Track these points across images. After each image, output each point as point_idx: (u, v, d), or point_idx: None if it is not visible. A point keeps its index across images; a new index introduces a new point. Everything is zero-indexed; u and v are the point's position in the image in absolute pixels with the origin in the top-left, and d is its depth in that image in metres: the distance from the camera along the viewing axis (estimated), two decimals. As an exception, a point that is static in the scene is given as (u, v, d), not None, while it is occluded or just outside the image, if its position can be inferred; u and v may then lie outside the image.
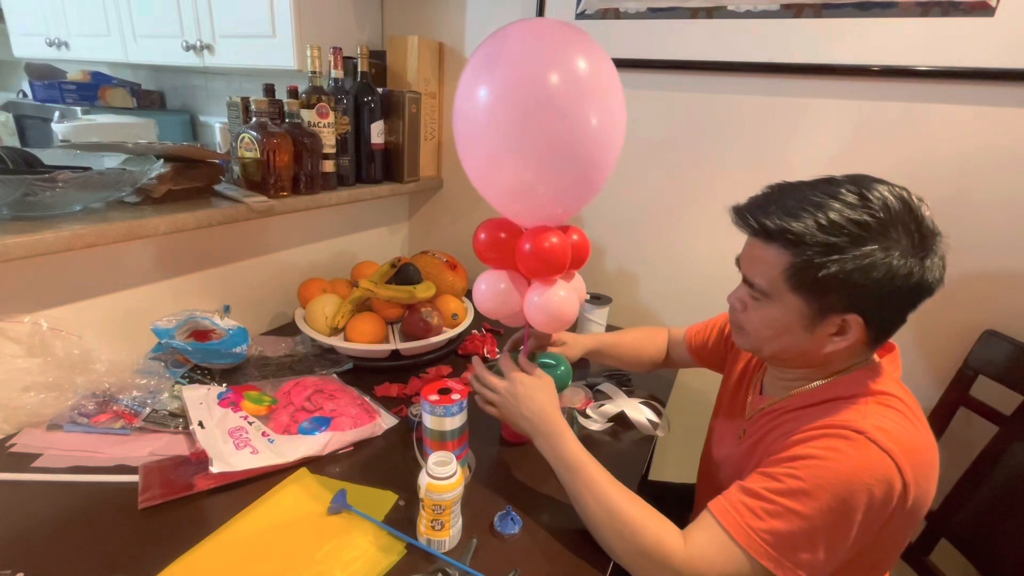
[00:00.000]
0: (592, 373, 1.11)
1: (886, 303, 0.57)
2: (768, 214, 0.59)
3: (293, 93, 1.10)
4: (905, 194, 0.57)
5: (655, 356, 1.02)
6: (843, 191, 0.56)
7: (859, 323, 0.58)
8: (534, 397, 0.72)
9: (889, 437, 0.53)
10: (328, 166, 1.17)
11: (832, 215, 0.55)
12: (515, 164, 0.66)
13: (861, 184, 0.57)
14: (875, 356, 0.65)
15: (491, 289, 0.76)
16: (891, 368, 0.64)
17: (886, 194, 0.56)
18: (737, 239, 0.65)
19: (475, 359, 0.81)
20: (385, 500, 0.72)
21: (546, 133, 0.63)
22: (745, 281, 0.65)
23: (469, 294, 1.29)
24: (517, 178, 0.67)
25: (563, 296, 0.73)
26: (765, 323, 0.63)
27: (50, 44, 1.80)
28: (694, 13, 1.13)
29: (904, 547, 0.62)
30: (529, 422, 0.71)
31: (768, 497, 0.55)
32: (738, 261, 0.67)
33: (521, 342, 0.83)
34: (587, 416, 0.96)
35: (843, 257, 0.55)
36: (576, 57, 0.63)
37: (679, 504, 0.88)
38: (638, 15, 1.19)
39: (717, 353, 0.93)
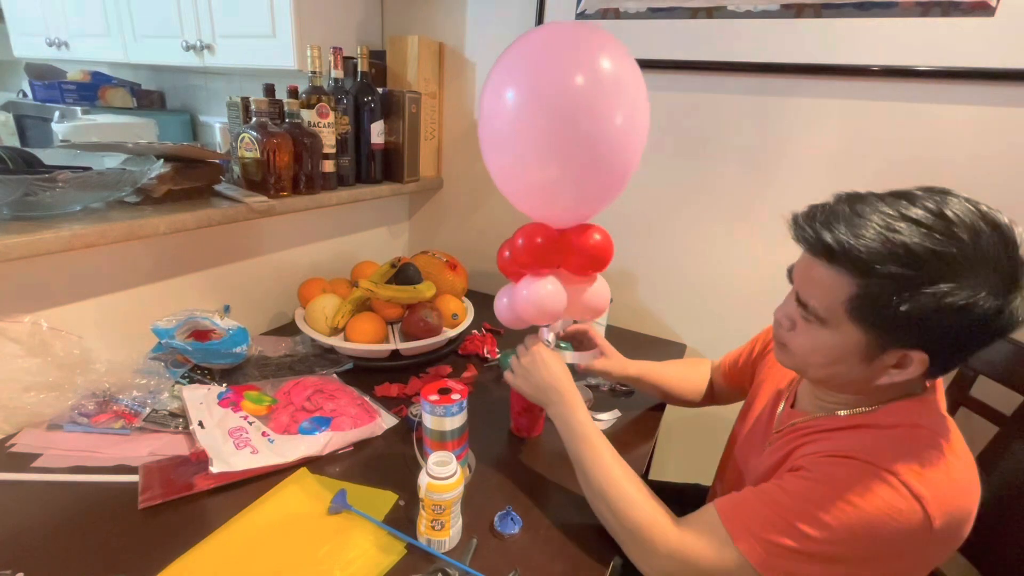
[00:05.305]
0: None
1: (960, 343, 0.51)
2: (832, 230, 0.51)
3: (293, 93, 1.10)
4: (1002, 219, 0.49)
5: (699, 386, 0.96)
6: (924, 213, 0.48)
7: (924, 360, 0.52)
8: (549, 366, 0.75)
9: (922, 480, 0.49)
10: (328, 166, 1.17)
11: (911, 242, 0.47)
12: (545, 166, 0.66)
13: (946, 205, 0.48)
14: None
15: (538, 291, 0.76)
16: (939, 394, 0.59)
17: (978, 222, 0.47)
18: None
19: (528, 337, 0.81)
20: (385, 500, 0.72)
21: (578, 134, 0.63)
22: (797, 300, 0.57)
23: (469, 294, 1.29)
24: (545, 178, 0.68)
25: (551, 290, 0.74)
26: (815, 348, 0.57)
27: (50, 44, 1.80)
28: (694, 13, 1.13)
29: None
30: (543, 392, 0.74)
31: (783, 517, 0.52)
32: (790, 273, 0.60)
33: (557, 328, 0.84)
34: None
35: (920, 293, 0.47)
36: (603, 57, 0.63)
37: (679, 504, 0.88)
38: (638, 15, 1.19)
39: (746, 371, 0.88)
